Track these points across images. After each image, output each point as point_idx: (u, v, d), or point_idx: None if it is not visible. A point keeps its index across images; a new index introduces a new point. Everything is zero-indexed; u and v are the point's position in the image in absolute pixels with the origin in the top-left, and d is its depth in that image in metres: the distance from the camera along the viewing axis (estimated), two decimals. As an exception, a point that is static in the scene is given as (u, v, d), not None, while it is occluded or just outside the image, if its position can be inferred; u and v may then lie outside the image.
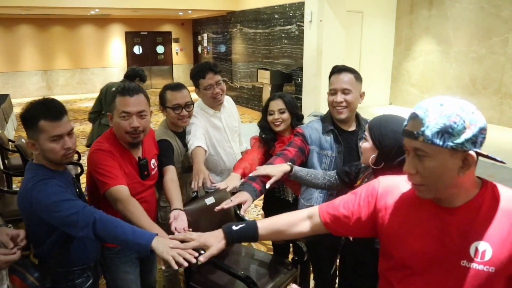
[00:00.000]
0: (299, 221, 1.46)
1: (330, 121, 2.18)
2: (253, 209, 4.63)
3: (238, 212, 2.78)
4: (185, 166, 2.52)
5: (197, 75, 2.62)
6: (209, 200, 2.59)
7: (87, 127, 9.15)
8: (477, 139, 1.04)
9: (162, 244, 1.58)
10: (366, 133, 1.71)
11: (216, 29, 13.27)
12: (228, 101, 2.86)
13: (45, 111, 1.65)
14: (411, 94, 8.24)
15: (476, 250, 1.09)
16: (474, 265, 1.09)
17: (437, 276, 1.15)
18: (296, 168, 1.99)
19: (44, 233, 1.74)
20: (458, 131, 1.02)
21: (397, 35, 8.47)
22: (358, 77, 2.13)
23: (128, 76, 4.57)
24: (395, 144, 1.59)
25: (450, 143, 1.03)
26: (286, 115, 2.50)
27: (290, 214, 1.50)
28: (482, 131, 1.05)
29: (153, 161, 2.19)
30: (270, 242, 3.65)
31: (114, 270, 2.10)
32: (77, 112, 11.16)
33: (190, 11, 12.65)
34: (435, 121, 1.04)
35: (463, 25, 7.00)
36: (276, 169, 1.94)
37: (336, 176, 1.97)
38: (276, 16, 9.20)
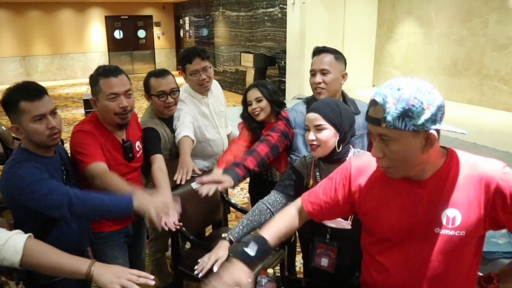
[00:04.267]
0: (294, 219, 1.50)
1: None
2: (239, 192, 4.65)
3: (224, 196, 2.79)
4: (173, 153, 2.50)
5: (184, 60, 2.58)
6: (195, 185, 2.60)
7: (69, 113, 9.01)
8: (437, 116, 1.09)
9: (145, 202, 1.59)
10: (321, 122, 1.69)
11: (198, 13, 13.08)
12: (214, 86, 2.83)
13: (24, 92, 1.61)
14: (394, 76, 8.29)
15: (447, 217, 1.17)
16: (446, 231, 1.17)
17: (414, 245, 1.22)
18: (234, 233, 1.81)
19: (22, 220, 1.70)
20: (418, 113, 1.07)
21: (380, 17, 8.47)
22: (339, 57, 2.13)
23: None
24: (350, 123, 1.73)
25: (411, 126, 1.08)
26: (264, 103, 2.41)
27: (284, 216, 1.52)
28: (440, 108, 1.10)
29: (137, 143, 2.17)
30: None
31: (102, 256, 2.08)
32: (58, 98, 10.95)
33: (171, -6, 12.44)
34: (394, 107, 1.08)
35: (445, 7, 7.04)
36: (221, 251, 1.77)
37: (281, 197, 1.85)
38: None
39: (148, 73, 2.47)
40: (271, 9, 8.65)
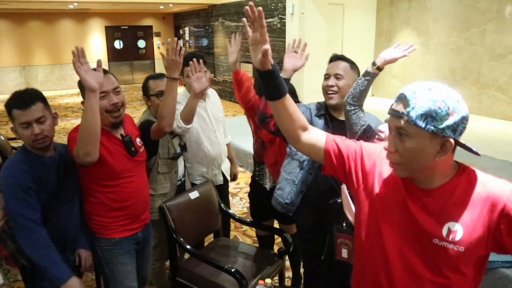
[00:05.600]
0: (307, 127, 1.39)
1: (324, 108, 2.22)
2: (238, 202, 4.64)
3: (222, 206, 2.79)
4: (171, 152, 2.53)
5: (182, 63, 2.65)
6: (193, 195, 2.61)
7: (68, 123, 9.02)
8: (458, 127, 1.09)
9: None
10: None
11: (197, 23, 13.16)
12: (212, 93, 2.91)
13: (15, 101, 1.82)
14: (393, 86, 8.33)
15: (449, 230, 1.15)
16: (444, 244, 1.15)
17: (409, 251, 1.21)
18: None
19: None
20: (441, 116, 1.07)
21: (378, 27, 8.54)
22: (354, 67, 2.19)
23: None
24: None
25: (432, 127, 1.07)
26: None
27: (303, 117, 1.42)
28: (464, 120, 1.09)
29: (138, 139, 2.21)
30: (255, 234, 3.68)
31: (112, 262, 2.10)
32: (58, 108, 10.96)
33: (171, 5, 12.51)
34: (421, 104, 1.08)
35: (442, 17, 7.10)
36: None
37: None
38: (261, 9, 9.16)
39: (147, 77, 2.59)
40: (270, 19, 8.71)
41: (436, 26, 7.23)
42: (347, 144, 1.38)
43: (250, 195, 2.90)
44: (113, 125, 2.06)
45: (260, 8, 1.23)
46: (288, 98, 1.33)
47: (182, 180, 2.74)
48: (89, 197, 2.04)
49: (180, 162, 2.68)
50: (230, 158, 3.13)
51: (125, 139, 2.09)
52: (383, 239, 1.25)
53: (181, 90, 2.75)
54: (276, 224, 3.00)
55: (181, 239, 2.43)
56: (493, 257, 2.43)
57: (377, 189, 1.30)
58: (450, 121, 1.07)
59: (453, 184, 1.17)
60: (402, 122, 1.11)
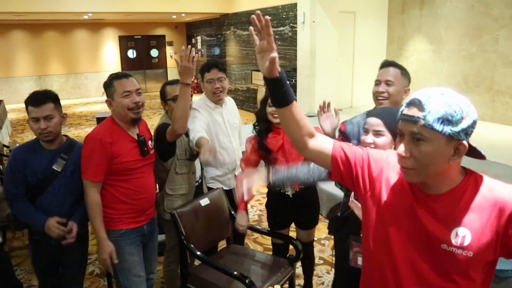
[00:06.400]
0: (314, 133, 1.37)
1: None
2: (249, 210, 4.65)
3: (232, 212, 2.80)
4: (188, 154, 2.60)
5: (203, 69, 2.79)
6: (204, 202, 2.63)
7: (82, 131, 9.15)
8: (469, 130, 1.11)
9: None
10: (381, 128, 1.75)
11: (209, 32, 13.29)
12: (229, 100, 3.01)
13: (31, 99, 2.14)
14: (405, 93, 8.29)
15: (457, 235, 1.15)
16: (453, 249, 1.15)
17: (417, 254, 1.21)
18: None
19: None
20: (457, 120, 1.08)
21: (390, 35, 8.52)
22: (404, 73, 2.20)
23: None
24: None
25: (448, 130, 1.08)
26: None
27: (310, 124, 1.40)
28: (474, 124, 1.11)
29: (150, 142, 2.37)
30: (266, 242, 3.68)
31: (120, 252, 2.22)
32: (72, 117, 11.12)
33: (183, 14, 12.66)
34: (437, 108, 1.09)
35: (454, 24, 7.07)
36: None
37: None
38: (269, 17, 9.23)
39: (164, 83, 2.73)
40: (281, 28, 8.77)
41: (448, 33, 7.19)
42: (354, 151, 1.38)
43: (268, 205, 2.87)
44: (132, 121, 2.25)
45: (267, 16, 1.26)
46: (295, 105, 1.33)
47: (200, 181, 2.81)
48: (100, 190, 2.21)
49: (197, 164, 2.74)
50: None
51: (140, 138, 2.28)
52: (391, 245, 1.25)
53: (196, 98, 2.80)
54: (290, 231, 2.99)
55: (192, 245, 2.45)
56: (506, 265, 2.39)
57: (384, 195, 1.30)
58: (464, 124, 1.08)
59: (460, 189, 1.17)
60: (418, 126, 1.11)
